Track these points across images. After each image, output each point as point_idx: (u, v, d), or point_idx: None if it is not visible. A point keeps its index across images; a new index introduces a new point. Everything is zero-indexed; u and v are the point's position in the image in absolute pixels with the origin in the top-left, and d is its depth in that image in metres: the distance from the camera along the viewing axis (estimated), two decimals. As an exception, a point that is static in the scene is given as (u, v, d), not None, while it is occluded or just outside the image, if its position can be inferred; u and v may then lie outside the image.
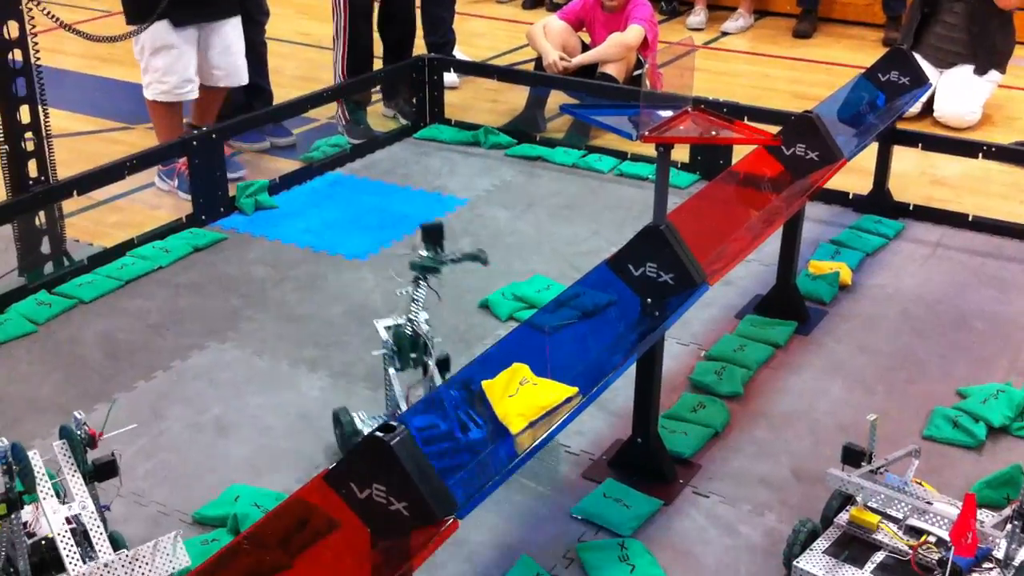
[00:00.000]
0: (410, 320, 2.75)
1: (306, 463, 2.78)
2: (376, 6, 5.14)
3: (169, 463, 2.79)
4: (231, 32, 4.36)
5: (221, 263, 3.83)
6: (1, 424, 2.92)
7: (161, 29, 4.11)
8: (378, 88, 5.33)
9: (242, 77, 4.47)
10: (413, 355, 2.76)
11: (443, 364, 2.85)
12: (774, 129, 3.74)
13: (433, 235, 2.71)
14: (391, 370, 2.78)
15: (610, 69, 4.98)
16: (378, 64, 5.28)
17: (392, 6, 5.19)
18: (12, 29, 3.43)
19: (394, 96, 5.25)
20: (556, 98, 5.16)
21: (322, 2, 5.21)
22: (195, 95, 4.31)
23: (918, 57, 4.50)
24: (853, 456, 2.40)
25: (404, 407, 2.75)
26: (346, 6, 5.04)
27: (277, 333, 3.40)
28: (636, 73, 5.03)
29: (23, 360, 3.25)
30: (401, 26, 5.23)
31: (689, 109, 2.99)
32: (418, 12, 5.47)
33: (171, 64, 4.18)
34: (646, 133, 2.85)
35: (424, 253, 2.71)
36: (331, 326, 3.44)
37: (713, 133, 2.90)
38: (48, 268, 3.69)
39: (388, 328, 2.80)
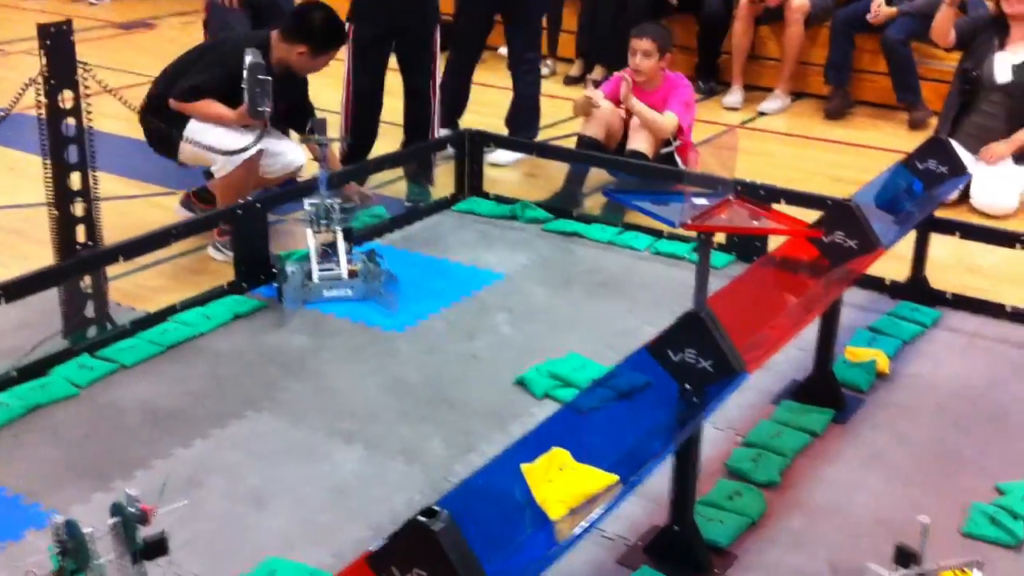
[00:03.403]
0: (321, 196, 4.09)
1: (341, 538, 2.79)
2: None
3: (206, 533, 2.80)
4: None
5: (260, 331, 3.87)
6: (42, 488, 2.95)
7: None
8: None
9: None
10: (325, 222, 4.09)
11: (347, 233, 4.14)
12: (812, 214, 3.77)
13: (320, 124, 4.23)
14: (309, 231, 4.09)
15: (639, 146, 5.02)
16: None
17: (409, 85, 5.26)
18: (67, 98, 3.52)
19: (418, 172, 5.29)
20: (595, 174, 5.22)
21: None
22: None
23: (955, 144, 4.52)
24: (904, 558, 2.38)
25: (315, 260, 4.08)
26: (348, 83, 5.15)
27: (313, 404, 3.43)
28: (665, 151, 5.07)
29: (64, 423, 3.29)
30: (411, 103, 5.28)
31: (731, 197, 3.04)
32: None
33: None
34: (688, 221, 2.89)
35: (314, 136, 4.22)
36: (367, 399, 3.46)
37: (754, 223, 2.94)
38: (92, 331, 3.74)
39: (311, 203, 4.10)
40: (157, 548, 2.15)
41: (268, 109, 4.15)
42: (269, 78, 4.12)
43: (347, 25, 5.11)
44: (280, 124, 4.69)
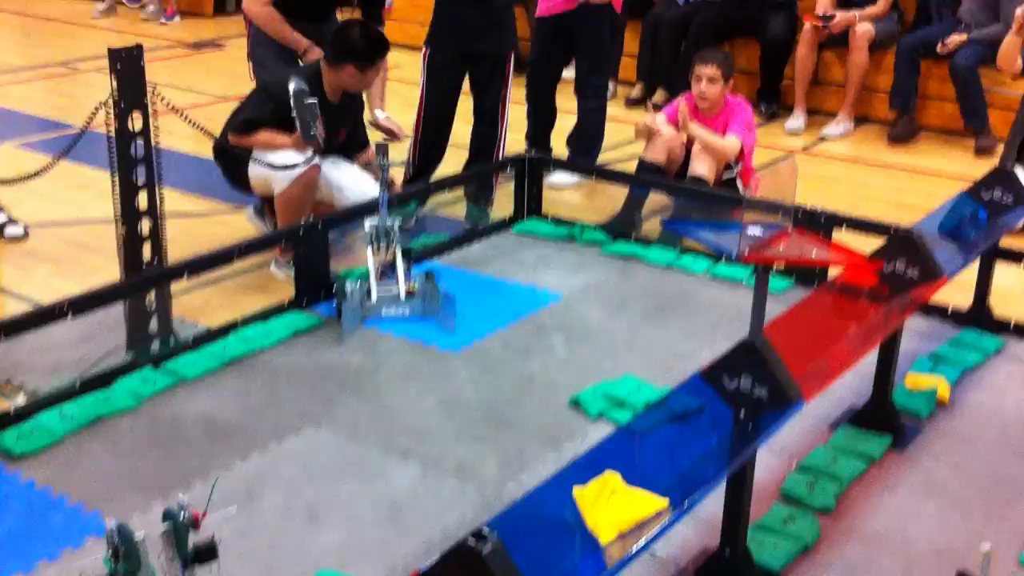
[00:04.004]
0: (380, 217, 4.13)
1: (394, 556, 2.81)
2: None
3: (260, 547, 2.84)
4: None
5: (319, 348, 3.92)
6: (103, 497, 3.02)
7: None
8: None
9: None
10: (384, 241, 4.12)
11: (406, 253, 4.19)
12: (874, 241, 3.74)
13: (383, 148, 4.21)
14: (368, 250, 4.13)
15: (700, 171, 5.01)
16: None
17: (479, 107, 5.32)
18: (136, 120, 3.61)
19: (479, 194, 5.34)
20: (654, 198, 5.22)
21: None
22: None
23: (1021, 172, 4.46)
24: (966, 585, 2.35)
25: (374, 279, 4.11)
26: (421, 105, 5.21)
27: (370, 421, 3.46)
28: (727, 177, 5.05)
29: (126, 435, 3.35)
30: (479, 124, 5.35)
31: (790, 226, 3.03)
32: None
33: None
34: (745, 252, 2.89)
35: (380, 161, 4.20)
36: (423, 417, 3.49)
37: (812, 255, 2.93)
38: (155, 345, 3.81)
39: (371, 224, 4.13)
40: (207, 554, 2.19)
41: (318, 131, 4.25)
42: (314, 100, 4.23)
43: (424, 49, 5.20)
44: (343, 151, 4.76)
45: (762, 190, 4.99)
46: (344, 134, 4.72)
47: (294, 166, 4.30)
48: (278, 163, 4.31)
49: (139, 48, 3.58)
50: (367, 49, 4.53)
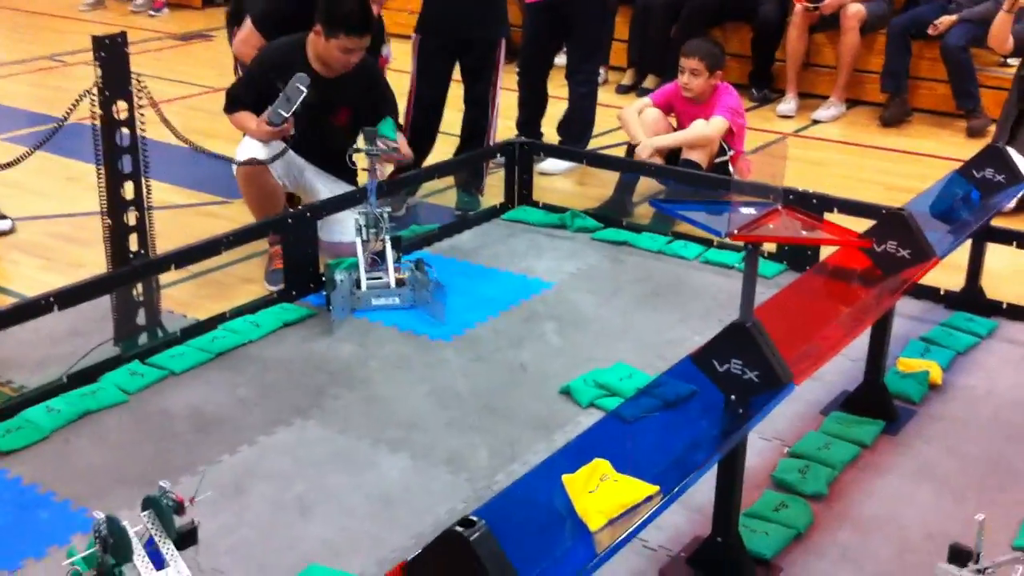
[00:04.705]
0: (369, 205, 4.11)
1: (385, 547, 2.79)
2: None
3: (250, 540, 2.82)
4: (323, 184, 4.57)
5: (309, 339, 3.90)
6: (89, 493, 2.99)
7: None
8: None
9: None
10: (374, 230, 4.11)
11: (395, 241, 4.19)
12: (866, 223, 3.71)
13: (370, 135, 4.17)
14: (358, 239, 4.12)
15: (693, 155, 4.99)
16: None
17: (470, 93, 5.30)
18: (120, 109, 3.58)
19: (469, 181, 5.31)
20: (645, 183, 5.19)
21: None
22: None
23: (1013, 152, 4.44)
24: (960, 556, 2.33)
25: (363, 268, 4.09)
26: (412, 92, 5.18)
27: (361, 412, 3.44)
28: (719, 160, 5.02)
29: (114, 430, 3.33)
30: (470, 111, 5.33)
31: (779, 206, 2.99)
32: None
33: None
34: (735, 231, 2.86)
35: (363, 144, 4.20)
36: (414, 407, 3.47)
37: (803, 233, 2.90)
38: (143, 339, 3.78)
39: (360, 212, 4.13)
40: (189, 537, 2.18)
41: (285, 120, 4.08)
42: (293, 100, 4.04)
43: (414, 36, 5.17)
44: (355, 130, 4.43)
45: (753, 173, 4.98)
46: (347, 113, 4.44)
47: (247, 161, 4.23)
48: (241, 150, 4.29)
49: (123, 35, 3.54)
50: (332, 11, 4.19)
